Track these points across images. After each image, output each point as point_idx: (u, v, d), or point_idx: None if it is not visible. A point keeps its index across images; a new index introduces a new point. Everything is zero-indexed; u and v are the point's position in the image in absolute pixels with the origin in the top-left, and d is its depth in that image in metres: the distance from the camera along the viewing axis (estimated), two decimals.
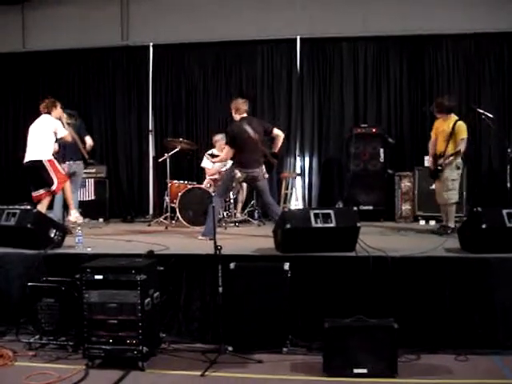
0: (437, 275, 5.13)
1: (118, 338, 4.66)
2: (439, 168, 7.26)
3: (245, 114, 7.33)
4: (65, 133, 7.66)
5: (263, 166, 7.24)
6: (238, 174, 7.15)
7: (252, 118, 7.57)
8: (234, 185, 7.43)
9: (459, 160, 7.26)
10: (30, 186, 7.55)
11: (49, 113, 7.69)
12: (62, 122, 7.78)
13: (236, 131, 7.18)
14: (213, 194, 8.07)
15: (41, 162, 7.39)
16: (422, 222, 8.93)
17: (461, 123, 7.22)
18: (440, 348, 4.92)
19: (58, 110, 7.76)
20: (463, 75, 9.97)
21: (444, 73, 10.01)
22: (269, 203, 7.30)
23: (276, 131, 7.40)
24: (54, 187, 7.42)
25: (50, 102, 7.78)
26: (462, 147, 7.20)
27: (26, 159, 7.49)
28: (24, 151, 7.53)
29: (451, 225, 7.23)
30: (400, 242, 6.73)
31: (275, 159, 7.37)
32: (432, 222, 8.70)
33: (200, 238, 6.98)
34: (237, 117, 7.32)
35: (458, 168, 7.25)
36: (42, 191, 7.45)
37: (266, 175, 7.31)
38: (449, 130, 7.20)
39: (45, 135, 7.53)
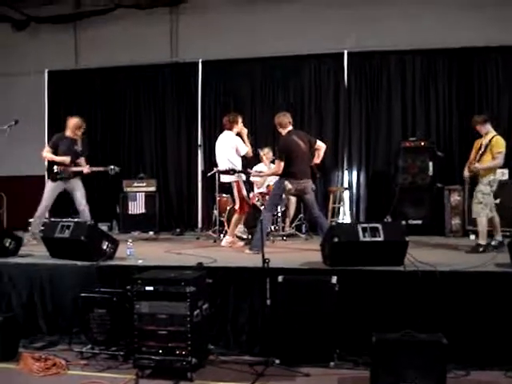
0: (486, 290, 5.06)
1: (167, 349, 4.73)
2: (470, 176, 7.26)
3: (290, 127, 7.42)
4: (246, 149, 7.79)
5: (310, 179, 7.30)
6: (289, 185, 7.19)
7: (298, 131, 7.67)
8: (283, 198, 7.47)
9: (492, 177, 7.08)
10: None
11: (230, 129, 7.83)
12: (243, 139, 7.87)
13: (287, 144, 7.28)
14: (261, 208, 8.12)
15: (229, 183, 7.80)
16: (473, 237, 8.74)
17: (498, 137, 7.12)
18: (489, 364, 4.83)
19: (238, 126, 7.86)
20: None
21: (494, 85, 9.84)
22: (317, 216, 7.31)
23: (319, 143, 7.51)
24: (236, 207, 7.80)
25: (231, 117, 7.89)
26: (498, 161, 7.05)
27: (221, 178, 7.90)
28: None
29: (482, 242, 7.03)
30: (449, 257, 6.64)
31: (318, 171, 7.47)
32: None
33: (247, 251, 7.02)
34: (283, 131, 7.41)
35: (491, 186, 7.06)
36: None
37: (314, 187, 7.38)
38: (485, 143, 7.12)
39: (228, 154, 7.75)
